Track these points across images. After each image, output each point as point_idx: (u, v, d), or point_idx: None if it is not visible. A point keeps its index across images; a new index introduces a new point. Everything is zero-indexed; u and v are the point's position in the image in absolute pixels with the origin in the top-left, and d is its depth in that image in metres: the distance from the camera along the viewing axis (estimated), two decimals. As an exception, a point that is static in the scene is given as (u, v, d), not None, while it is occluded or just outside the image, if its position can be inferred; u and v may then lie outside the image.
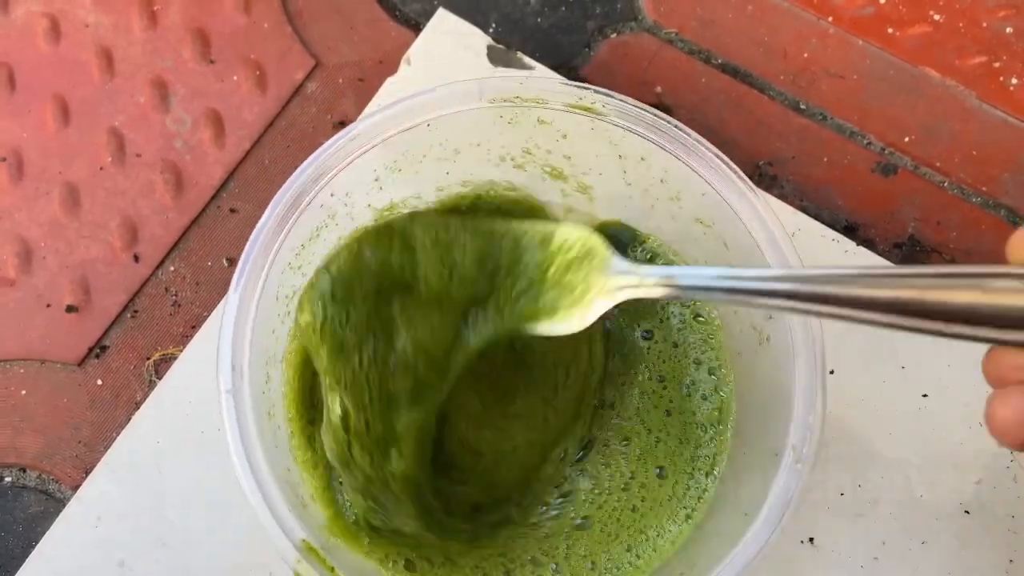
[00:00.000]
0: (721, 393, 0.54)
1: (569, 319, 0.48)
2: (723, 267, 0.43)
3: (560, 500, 0.53)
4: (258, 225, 0.48)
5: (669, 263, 0.56)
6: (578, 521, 0.53)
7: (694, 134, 0.50)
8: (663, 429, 0.54)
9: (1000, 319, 0.36)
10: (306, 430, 0.52)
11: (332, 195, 0.51)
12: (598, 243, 0.47)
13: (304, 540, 0.45)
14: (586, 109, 0.51)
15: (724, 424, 0.54)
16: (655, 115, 0.50)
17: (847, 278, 0.39)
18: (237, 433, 0.45)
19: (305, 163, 0.49)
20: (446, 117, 0.51)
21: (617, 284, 0.46)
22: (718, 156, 0.49)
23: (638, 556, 0.52)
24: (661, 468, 0.53)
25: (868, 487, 0.56)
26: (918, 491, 0.56)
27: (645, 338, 0.56)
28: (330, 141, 0.50)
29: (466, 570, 0.51)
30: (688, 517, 0.52)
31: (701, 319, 0.55)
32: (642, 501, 0.53)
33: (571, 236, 0.48)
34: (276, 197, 0.49)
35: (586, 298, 0.47)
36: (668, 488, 0.53)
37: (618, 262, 0.47)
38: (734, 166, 0.49)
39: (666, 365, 0.55)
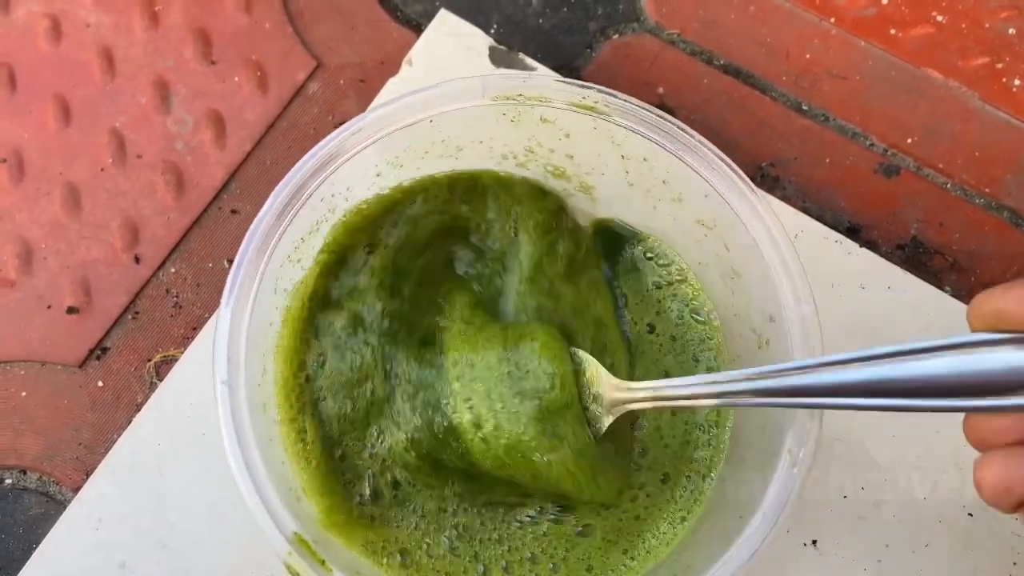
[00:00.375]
0: None
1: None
2: (702, 375, 0.47)
3: (558, 509, 0.53)
4: (257, 217, 0.48)
5: (670, 263, 0.56)
6: (579, 529, 0.52)
7: (696, 135, 0.50)
8: (671, 433, 0.54)
9: (971, 388, 0.38)
10: (296, 421, 0.51)
11: (333, 189, 0.51)
12: (595, 364, 0.50)
13: (296, 532, 0.45)
14: (589, 108, 0.51)
15: (722, 426, 0.53)
16: (658, 115, 0.50)
17: (816, 367, 0.41)
18: (231, 424, 0.45)
19: (306, 156, 0.49)
20: (449, 113, 0.51)
21: (613, 401, 0.50)
22: (720, 157, 0.49)
23: (632, 559, 0.52)
24: (666, 475, 0.53)
25: (871, 489, 0.56)
26: (921, 493, 0.56)
27: (649, 332, 0.56)
28: (332, 134, 0.50)
29: (465, 561, 0.51)
30: (683, 519, 0.52)
31: (699, 318, 0.55)
32: (645, 509, 0.53)
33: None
34: (276, 189, 0.49)
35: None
36: (668, 492, 0.53)
37: (610, 380, 0.50)
38: (736, 167, 0.49)
39: (668, 359, 0.55)
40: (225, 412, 0.46)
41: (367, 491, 0.51)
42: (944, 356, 0.38)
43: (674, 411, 0.54)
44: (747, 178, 0.49)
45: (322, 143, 0.49)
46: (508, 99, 0.51)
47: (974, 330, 0.38)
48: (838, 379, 0.40)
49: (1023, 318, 0.37)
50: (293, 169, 0.49)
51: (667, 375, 0.55)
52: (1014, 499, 0.38)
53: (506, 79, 0.51)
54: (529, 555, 0.51)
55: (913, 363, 0.38)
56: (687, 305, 0.56)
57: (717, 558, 0.45)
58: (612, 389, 0.49)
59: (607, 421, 0.50)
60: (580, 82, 0.51)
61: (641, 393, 0.48)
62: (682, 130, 0.50)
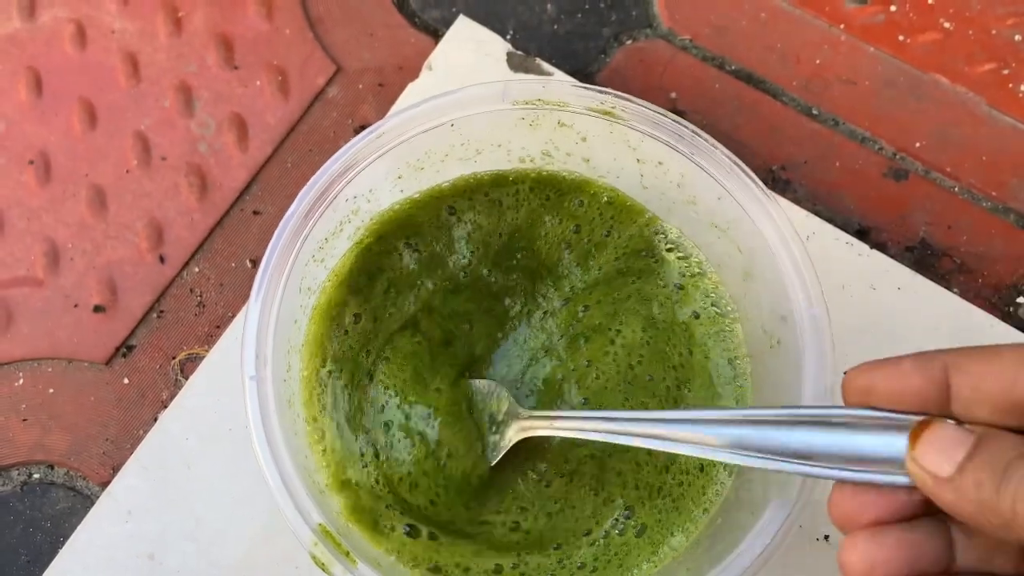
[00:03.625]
0: (738, 383, 0.54)
1: (484, 462, 0.53)
2: (598, 410, 0.52)
3: (626, 512, 0.53)
4: (284, 217, 0.49)
5: (687, 255, 0.56)
6: (637, 529, 0.52)
7: (710, 139, 0.51)
8: None
9: (842, 457, 0.39)
10: (318, 421, 0.52)
11: (356, 191, 0.52)
12: (504, 394, 0.53)
13: (320, 524, 0.46)
14: (606, 113, 0.51)
15: None
16: (673, 120, 0.51)
17: (699, 420, 0.43)
18: (259, 418, 0.47)
19: (332, 158, 0.50)
20: (470, 117, 0.52)
21: (516, 427, 0.52)
22: (734, 161, 0.50)
23: (655, 552, 0.52)
24: (703, 464, 0.53)
25: (881, 485, 0.57)
26: (929, 489, 0.57)
27: (695, 317, 0.56)
28: (356, 138, 0.51)
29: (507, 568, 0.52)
30: (705, 511, 0.52)
31: (718, 311, 0.56)
32: (683, 500, 0.53)
33: (485, 389, 0.54)
34: (303, 191, 0.50)
35: (496, 441, 0.53)
36: (701, 482, 0.53)
37: (516, 409, 0.53)
38: (748, 171, 0.50)
39: (712, 342, 0.55)
40: (253, 406, 0.47)
41: (402, 529, 0.52)
42: (814, 429, 0.39)
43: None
44: (759, 181, 0.50)
45: (347, 146, 0.50)
46: (527, 104, 0.52)
47: (847, 403, 0.40)
48: (716, 434, 0.42)
49: (888, 395, 0.38)
50: (319, 171, 0.50)
51: (708, 357, 0.55)
52: None
53: (525, 84, 0.52)
54: (579, 564, 0.52)
55: (785, 431, 0.40)
56: (708, 297, 0.56)
57: (728, 554, 0.46)
58: (514, 416, 0.52)
59: (508, 443, 0.52)
60: (597, 87, 0.52)
61: (539, 422, 0.51)
62: (696, 134, 0.51)
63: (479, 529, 0.53)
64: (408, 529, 0.51)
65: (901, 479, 0.37)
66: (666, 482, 0.53)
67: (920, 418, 0.37)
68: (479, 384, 0.54)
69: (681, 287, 0.56)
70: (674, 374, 0.55)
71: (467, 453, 0.52)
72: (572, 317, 0.56)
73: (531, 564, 0.52)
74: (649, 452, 0.53)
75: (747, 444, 0.41)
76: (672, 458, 0.53)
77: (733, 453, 0.42)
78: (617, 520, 0.53)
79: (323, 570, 0.45)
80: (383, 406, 0.53)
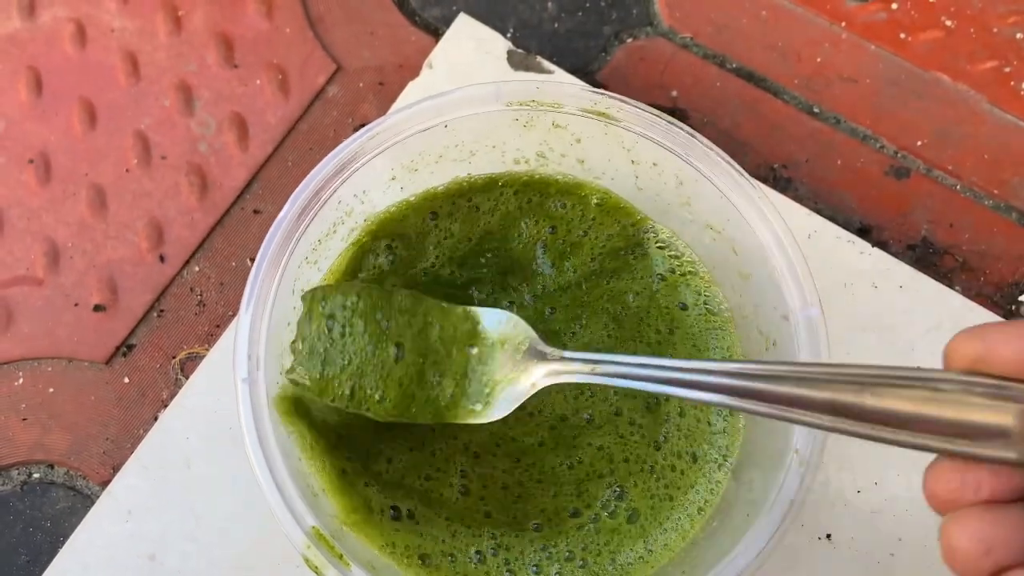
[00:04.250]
0: None
1: (491, 408, 0.49)
2: (646, 356, 0.44)
3: (617, 497, 0.53)
4: (277, 219, 0.49)
5: (679, 255, 0.56)
6: (629, 513, 0.52)
7: (705, 140, 0.51)
8: (698, 414, 0.54)
9: (947, 427, 0.34)
10: (297, 425, 0.52)
11: (350, 192, 0.52)
12: (522, 328, 0.49)
13: (313, 527, 0.46)
14: (600, 114, 0.51)
15: (735, 415, 0.53)
16: (668, 121, 0.51)
17: (782, 375, 0.38)
18: (251, 420, 0.47)
19: (325, 160, 0.50)
20: (463, 119, 0.52)
21: (542, 371, 0.48)
22: (728, 163, 0.50)
23: (650, 551, 0.52)
24: (694, 455, 0.53)
25: (885, 484, 0.57)
26: (932, 488, 0.57)
27: (682, 308, 0.56)
28: (350, 139, 0.51)
29: (492, 569, 0.52)
30: (700, 510, 0.52)
31: (710, 308, 0.55)
32: (677, 489, 0.53)
33: (495, 321, 0.50)
34: (295, 192, 0.50)
35: (506, 386, 0.49)
36: (693, 475, 0.53)
37: (542, 348, 0.49)
38: (744, 172, 0.50)
39: (702, 337, 0.55)
40: (245, 409, 0.47)
41: (388, 510, 0.52)
42: (913, 394, 0.35)
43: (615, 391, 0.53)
44: (755, 182, 0.50)
45: (340, 147, 0.50)
46: (521, 105, 0.52)
47: (950, 368, 0.35)
48: (802, 393, 0.37)
49: (1006, 361, 0.33)
50: (312, 173, 0.50)
51: (698, 348, 0.55)
52: (993, 563, 0.33)
53: (519, 85, 0.52)
54: (567, 554, 0.52)
55: (882, 388, 0.35)
56: (700, 295, 0.56)
57: (724, 556, 0.46)
58: (538, 358, 0.48)
59: (532, 388, 0.48)
60: (592, 88, 0.52)
61: (575, 365, 0.46)
62: (691, 135, 0.51)
63: (427, 485, 0.53)
64: (394, 513, 0.52)
65: (1012, 455, 0.33)
66: (658, 462, 0.53)
67: None
68: (490, 314, 0.50)
69: (663, 278, 0.56)
70: (649, 351, 0.55)
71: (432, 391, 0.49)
72: (538, 316, 0.56)
73: (513, 551, 0.52)
74: (632, 424, 0.53)
75: (837, 407, 0.35)
76: (665, 436, 0.53)
77: (817, 417, 0.36)
78: (608, 501, 0.52)
79: (316, 573, 0.45)
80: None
